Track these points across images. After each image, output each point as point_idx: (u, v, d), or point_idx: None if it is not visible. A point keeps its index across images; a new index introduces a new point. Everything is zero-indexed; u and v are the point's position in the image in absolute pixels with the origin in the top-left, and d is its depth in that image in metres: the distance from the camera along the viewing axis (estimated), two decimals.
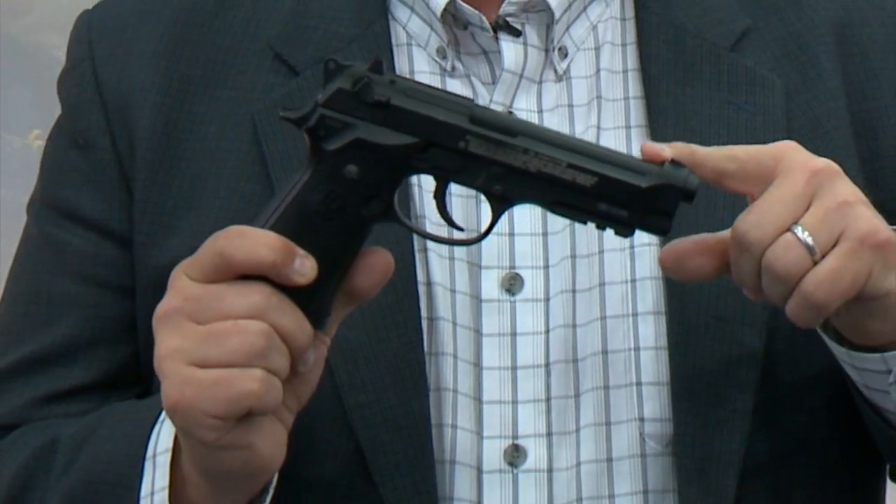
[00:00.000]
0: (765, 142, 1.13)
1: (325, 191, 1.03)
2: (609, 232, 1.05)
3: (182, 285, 1.00)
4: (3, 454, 1.19)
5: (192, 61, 1.23)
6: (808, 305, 0.99)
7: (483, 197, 1.06)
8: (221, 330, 0.98)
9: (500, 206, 1.05)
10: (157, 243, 1.12)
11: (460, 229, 1.10)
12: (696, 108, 1.20)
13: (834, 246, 0.99)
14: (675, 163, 1.05)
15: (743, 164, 1.02)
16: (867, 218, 1.00)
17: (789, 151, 1.02)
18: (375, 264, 1.03)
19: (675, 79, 1.22)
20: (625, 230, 1.04)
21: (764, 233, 0.99)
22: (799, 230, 0.98)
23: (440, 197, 1.06)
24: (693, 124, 1.19)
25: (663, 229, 1.04)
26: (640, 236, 1.13)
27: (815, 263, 0.98)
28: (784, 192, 1.00)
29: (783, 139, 1.13)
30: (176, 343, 0.98)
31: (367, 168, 1.03)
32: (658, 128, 1.19)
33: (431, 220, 1.15)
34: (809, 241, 0.98)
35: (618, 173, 1.03)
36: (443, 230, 1.11)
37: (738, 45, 1.23)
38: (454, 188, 1.09)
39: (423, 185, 1.15)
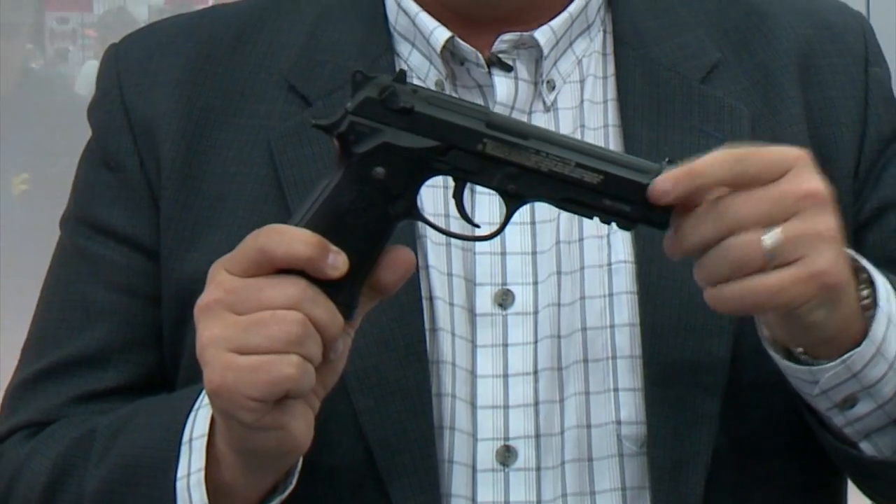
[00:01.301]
0: None
1: (355, 191, 1.05)
2: (613, 226, 1.07)
3: (222, 279, 1.02)
4: (42, 445, 1.20)
5: (212, 91, 1.25)
6: (732, 300, 1.02)
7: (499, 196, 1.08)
8: (261, 319, 1.00)
9: (514, 203, 1.08)
10: (180, 257, 1.14)
11: (477, 226, 1.11)
12: (669, 136, 1.22)
13: (789, 265, 1.00)
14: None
15: (751, 165, 1.02)
16: (830, 256, 1.02)
17: (801, 163, 1.03)
18: (399, 260, 1.05)
19: (649, 109, 1.24)
20: (628, 224, 1.07)
21: (741, 219, 1.00)
22: (768, 236, 1.00)
23: (459, 196, 1.08)
24: (665, 150, 1.18)
25: (663, 223, 1.07)
26: (617, 254, 1.19)
27: (763, 271, 1.00)
28: (778, 195, 1.01)
29: None
30: (218, 332, 1.01)
31: (394, 169, 1.06)
32: (635, 154, 1.18)
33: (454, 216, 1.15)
34: (772, 251, 1.00)
35: (622, 171, 1.06)
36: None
37: (708, 78, 1.25)
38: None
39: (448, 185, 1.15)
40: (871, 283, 1.12)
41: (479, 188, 1.13)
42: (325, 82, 1.21)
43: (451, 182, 1.09)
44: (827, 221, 1.03)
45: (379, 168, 1.05)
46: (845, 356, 1.09)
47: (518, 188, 1.06)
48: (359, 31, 1.25)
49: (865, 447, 1.15)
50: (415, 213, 1.07)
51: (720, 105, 1.24)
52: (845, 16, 1.32)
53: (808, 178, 1.03)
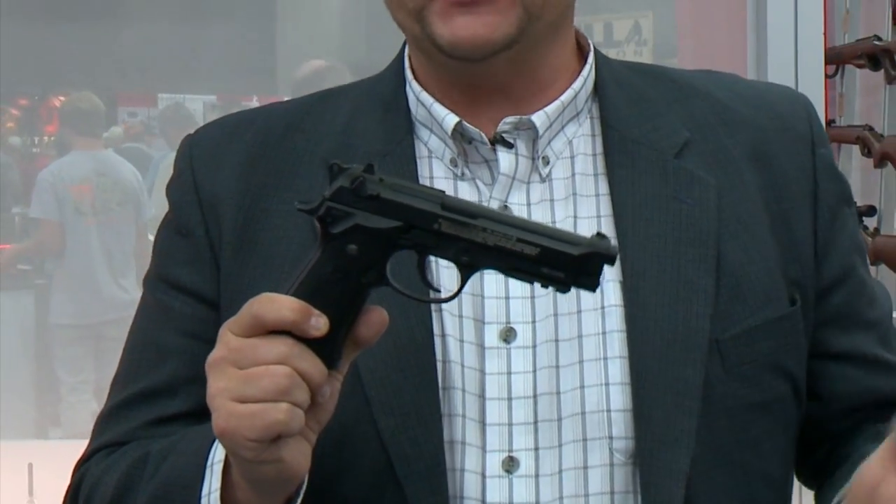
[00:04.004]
0: (701, 229, 1.27)
1: (333, 265, 1.14)
2: (551, 289, 1.15)
3: (227, 339, 1.12)
4: (113, 464, 1.30)
5: (266, 171, 1.34)
6: None
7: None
8: (256, 373, 1.10)
9: (468, 272, 1.15)
10: (236, 308, 1.16)
11: (437, 290, 1.20)
12: (648, 202, 1.29)
13: None
14: (600, 234, 1.14)
15: None
16: None
17: None
18: (374, 319, 1.15)
19: (632, 180, 1.30)
20: (563, 288, 1.14)
21: None
22: None
23: (421, 266, 1.17)
24: (646, 214, 1.28)
25: (592, 286, 1.14)
26: (608, 299, 1.27)
27: None
28: None
29: (715, 227, 1.28)
30: (222, 384, 1.11)
31: (365, 246, 1.14)
32: (621, 218, 1.28)
33: (446, 288, 1.23)
34: None
35: (555, 244, 1.13)
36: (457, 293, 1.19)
37: (680, 153, 1.32)
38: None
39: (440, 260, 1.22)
40: None
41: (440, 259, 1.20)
42: (358, 162, 1.22)
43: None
44: None
45: (352, 245, 1.14)
46: None
47: (470, 259, 1.14)
48: (385, 121, 1.33)
49: None
50: (385, 281, 1.14)
51: (691, 176, 1.31)
52: (793, 104, 1.40)
53: None
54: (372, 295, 1.16)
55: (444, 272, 1.26)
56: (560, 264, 1.13)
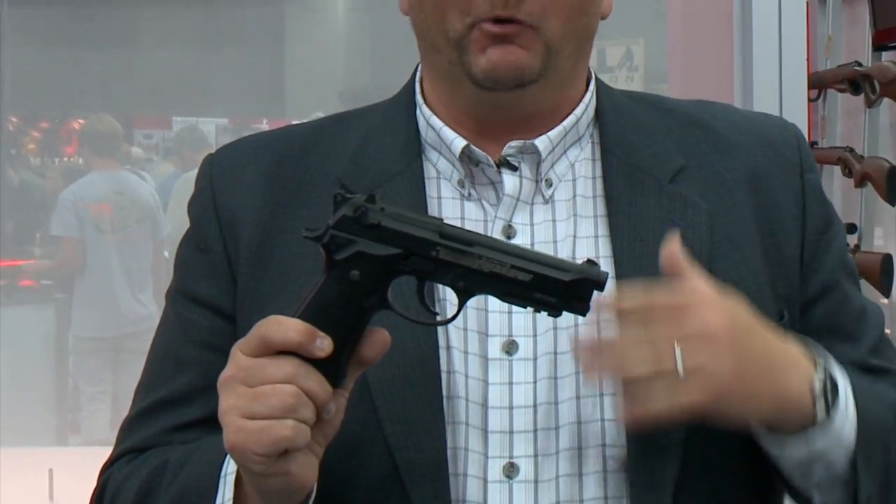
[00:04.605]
0: (693, 250, 1.25)
1: (337, 289, 1.14)
2: (543, 313, 1.15)
3: (237, 359, 1.13)
4: (135, 470, 1.31)
5: (282, 190, 1.34)
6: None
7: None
8: (264, 392, 1.10)
9: (465, 296, 1.16)
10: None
11: (435, 314, 1.21)
12: (644, 224, 1.29)
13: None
14: (590, 261, 1.15)
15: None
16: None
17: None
18: (377, 340, 1.16)
19: (629, 202, 1.31)
20: (554, 312, 1.15)
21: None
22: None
23: (420, 290, 1.18)
24: (641, 235, 1.28)
25: (582, 311, 1.15)
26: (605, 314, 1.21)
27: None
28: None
29: (707, 248, 1.29)
30: (232, 402, 1.11)
31: (366, 272, 1.15)
32: (617, 238, 1.29)
33: (451, 303, 1.21)
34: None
35: (547, 271, 1.14)
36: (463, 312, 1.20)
37: (674, 179, 1.33)
38: None
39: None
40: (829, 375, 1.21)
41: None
42: (368, 182, 1.30)
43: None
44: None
45: (355, 271, 1.14)
46: (811, 439, 1.20)
47: (466, 285, 1.15)
48: (396, 143, 1.34)
49: (816, 499, 1.25)
50: (386, 304, 1.15)
51: (684, 201, 1.32)
52: (784, 132, 1.41)
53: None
54: (381, 312, 1.17)
55: (449, 290, 1.23)
56: (551, 290, 1.14)
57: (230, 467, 1.21)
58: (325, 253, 1.15)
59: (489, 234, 1.23)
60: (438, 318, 1.22)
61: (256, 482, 1.15)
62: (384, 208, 1.15)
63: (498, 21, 1.26)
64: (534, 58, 1.27)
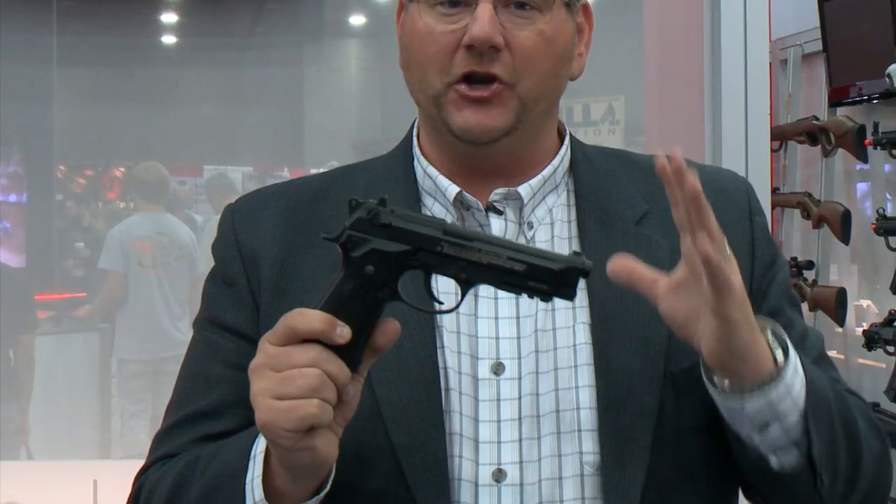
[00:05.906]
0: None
1: (353, 283, 1.15)
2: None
3: (266, 348, 1.14)
4: (168, 470, 1.32)
5: (297, 232, 1.36)
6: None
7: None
8: (291, 375, 1.11)
9: (467, 287, 1.17)
10: None
11: (441, 303, 1.21)
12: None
13: None
14: (577, 253, 1.16)
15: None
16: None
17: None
18: (389, 329, 1.16)
19: (599, 243, 1.32)
20: (546, 297, 1.16)
21: None
22: None
23: (427, 282, 1.18)
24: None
25: (570, 297, 1.16)
26: (579, 338, 1.28)
27: None
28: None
29: None
30: (263, 385, 1.12)
31: (380, 267, 1.15)
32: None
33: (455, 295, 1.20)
34: None
35: (539, 261, 1.15)
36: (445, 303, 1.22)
37: (640, 221, 1.35)
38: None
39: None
40: (781, 343, 1.21)
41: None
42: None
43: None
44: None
45: (369, 266, 1.15)
46: (768, 391, 1.18)
47: (468, 276, 1.16)
48: (396, 190, 1.35)
49: (773, 461, 1.23)
50: (397, 296, 1.16)
51: (649, 241, 1.33)
52: (735, 182, 1.43)
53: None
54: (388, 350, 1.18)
55: (445, 297, 1.26)
56: (543, 278, 1.15)
57: (259, 448, 1.22)
58: (342, 251, 1.16)
59: None
60: (442, 308, 1.22)
61: (284, 457, 1.16)
62: (394, 210, 1.16)
63: (474, 82, 1.28)
64: (508, 114, 1.29)
